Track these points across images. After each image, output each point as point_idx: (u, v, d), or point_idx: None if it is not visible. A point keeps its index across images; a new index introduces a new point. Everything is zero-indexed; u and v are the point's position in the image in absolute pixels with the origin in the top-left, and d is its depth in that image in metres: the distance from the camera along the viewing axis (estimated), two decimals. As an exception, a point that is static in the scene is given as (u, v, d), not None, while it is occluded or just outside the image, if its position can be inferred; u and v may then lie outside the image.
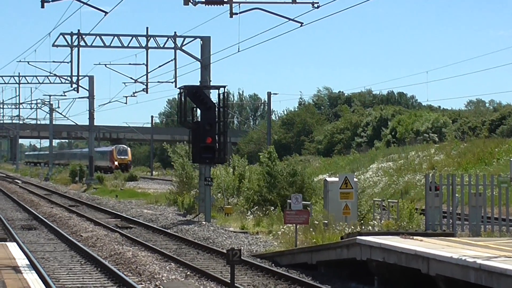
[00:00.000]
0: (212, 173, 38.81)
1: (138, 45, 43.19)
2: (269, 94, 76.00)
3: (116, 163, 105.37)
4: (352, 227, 25.50)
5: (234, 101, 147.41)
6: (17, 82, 68.84)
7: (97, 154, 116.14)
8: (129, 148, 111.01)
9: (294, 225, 25.07)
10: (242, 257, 20.62)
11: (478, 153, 55.86)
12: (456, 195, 25.90)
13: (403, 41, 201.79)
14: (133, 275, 21.06)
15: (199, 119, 36.87)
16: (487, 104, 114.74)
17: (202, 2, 29.80)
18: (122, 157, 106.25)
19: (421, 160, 60.47)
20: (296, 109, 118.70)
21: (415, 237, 20.20)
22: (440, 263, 16.53)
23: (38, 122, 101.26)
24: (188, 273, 21.57)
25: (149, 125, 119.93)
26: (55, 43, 43.51)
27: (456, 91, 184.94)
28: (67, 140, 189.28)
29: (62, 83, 64.41)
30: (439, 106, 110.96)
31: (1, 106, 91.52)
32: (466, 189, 25.71)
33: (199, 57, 39.71)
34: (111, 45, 42.67)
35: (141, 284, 19.62)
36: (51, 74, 63.06)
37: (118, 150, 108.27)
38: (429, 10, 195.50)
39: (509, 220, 25.33)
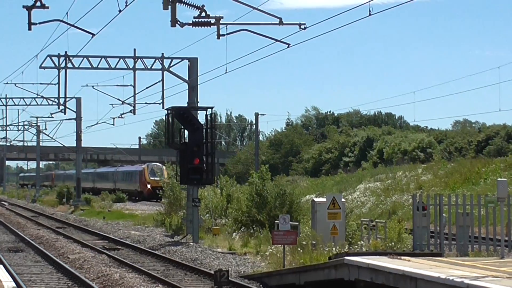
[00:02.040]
0: (200, 194, 38.77)
1: (126, 67, 43.20)
2: (256, 115, 76.14)
3: (149, 186, 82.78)
4: (340, 248, 25.50)
5: (222, 122, 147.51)
6: (4, 104, 68.76)
7: (120, 176, 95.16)
8: (164, 167, 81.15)
9: (282, 245, 25.05)
10: (229, 278, 20.62)
11: (465, 173, 56.06)
12: (444, 215, 25.97)
13: (390, 61, 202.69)
14: (121, 297, 20.97)
15: (186, 140, 36.87)
16: (473, 124, 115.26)
17: (189, 24, 29.82)
18: (157, 178, 79.27)
19: (409, 180, 60.59)
20: (284, 130, 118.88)
21: (402, 257, 20.21)
22: (428, 283, 16.53)
23: (25, 144, 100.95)
24: (176, 294, 21.49)
25: (137, 146, 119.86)
26: (42, 65, 43.47)
27: (443, 111, 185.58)
28: (54, 162, 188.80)
29: (49, 104, 64.32)
30: (426, 126, 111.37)
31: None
32: (454, 209, 25.78)
33: (187, 78, 39.75)
34: (99, 66, 42.66)
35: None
36: (38, 96, 63.00)
37: (151, 169, 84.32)
38: (415, 31, 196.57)
39: (496, 240, 25.40)
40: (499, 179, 23.39)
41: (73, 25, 32.25)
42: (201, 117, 37.32)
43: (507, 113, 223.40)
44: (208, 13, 29.23)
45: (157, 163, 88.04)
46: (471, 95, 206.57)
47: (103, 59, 42.55)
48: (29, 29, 29.28)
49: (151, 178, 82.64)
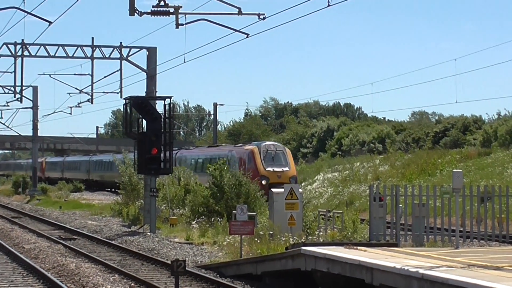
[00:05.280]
0: (157, 184, 38.64)
1: (83, 55, 42.83)
2: (215, 105, 76.10)
3: (264, 182, 44.78)
4: (297, 238, 25.59)
5: (180, 112, 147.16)
6: (-41, 91, 67.73)
7: (199, 163, 56.14)
8: (287, 149, 50.53)
9: (239, 235, 25.08)
10: (186, 268, 20.56)
11: (422, 164, 56.61)
12: (400, 205, 26.18)
13: (348, 52, 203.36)
14: (76, 287, 20.86)
15: (144, 130, 36.70)
16: (430, 116, 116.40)
17: (148, 13, 29.73)
18: (279, 169, 46.71)
19: (366, 171, 61.00)
20: (242, 120, 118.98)
21: (359, 247, 20.33)
22: (384, 273, 16.65)
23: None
24: (132, 284, 21.42)
25: (94, 136, 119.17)
26: (-2, 53, 42.91)
27: (400, 103, 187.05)
28: (10, 151, 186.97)
29: (5, 93, 63.39)
30: (384, 118, 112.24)
31: None
32: (410, 199, 26.02)
33: (145, 68, 39.56)
34: (56, 55, 42.25)
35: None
36: (-6, 84, 62.18)
37: (267, 153, 47.54)
38: (373, 22, 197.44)
39: (451, 230, 25.67)
40: (454, 170, 23.63)
41: (29, 13, 31.98)
42: (160, 106, 37.20)
43: (463, 104, 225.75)
44: (167, 2, 29.15)
45: (275, 143, 51.86)
46: (428, 86, 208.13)
47: (60, 47, 42.15)
48: (-15, 16, 28.90)
49: (268, 168, 46.50)
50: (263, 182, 42.71)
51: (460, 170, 23.51)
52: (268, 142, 50.54)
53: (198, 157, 55.81)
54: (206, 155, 54.01)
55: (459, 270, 15.74)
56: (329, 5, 21.59)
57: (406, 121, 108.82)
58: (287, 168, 46.42)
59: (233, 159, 48.75)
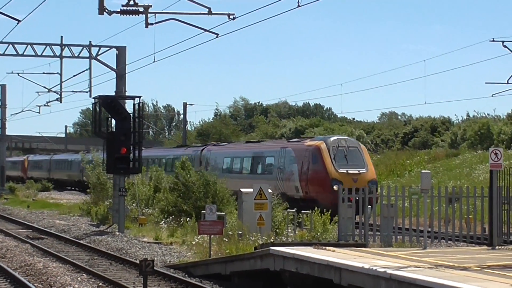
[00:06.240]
0: (126, 184, 38.51)
1: (52, 54, 42.59)
2: (184, 104, 76.04)
3: (335, 187, 34.04)
4: (266, 238, 25.63)
5: (150, 112, 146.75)
6: None
7: (256, 162, 44.59)
8: (362, 145, 40.91)
9: (208, 235, 25.07)
10: (155, 268, 20.52)
11: (391, 165, 56.93)
12: (369, 206, 26.29)
13: (318, 53, 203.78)
14: (44, 287, 20.73)
15: (114, 129, 36.55)
16: (399, 117, 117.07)
17: (117, 12, 29.59)
18: (352, 170, 37.88)
19: (335, 172, 61.15)
20: (212, 120, 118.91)
21: (327, 248, 20.40)
22: (352, 273, 16.73)
23: None
24: (100, 284, 21.33)
25: (63, 135, 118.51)
26: (-34, 51, 42.55)
27: (370, 103, 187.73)
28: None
29: (-27, 91, 63.17)
30: (353, 118, 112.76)
31: None
32: (379, 200, 26.13)
33: (115, 67, 39.41)
34: (24, 53, 41.98)
35: (52, 295, 19.31)
36: (-38, 82, 61.74)
37: (337, 150, 38.50)
38: (342, 23, 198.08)
39: (419, 231, 25.84)
40: (423, 171, 23.79)
41: (-2, 11, 31.70)
42: (129, 106, 37.07)
43: (432, 106, 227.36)
44: (136, 1, 29.06)
45: (347, 137, 43.12)
46: (397, 87, 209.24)
47: (29, 46, 41.87)
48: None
49: (341, 170, 37.87)
50: (335, 187, 33.59)
51: (429, 171, 23.67)
52: (338, 136, 40.65)
53: (235, 155, 45.85)
54: (249, 153, 44.82)
55: (427, 270, 15.85)
56: (299, 6, 21.63)
57: (375, 121, 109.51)
58: (364, 170, 37.79)
59: (288, 158, 40.30)
